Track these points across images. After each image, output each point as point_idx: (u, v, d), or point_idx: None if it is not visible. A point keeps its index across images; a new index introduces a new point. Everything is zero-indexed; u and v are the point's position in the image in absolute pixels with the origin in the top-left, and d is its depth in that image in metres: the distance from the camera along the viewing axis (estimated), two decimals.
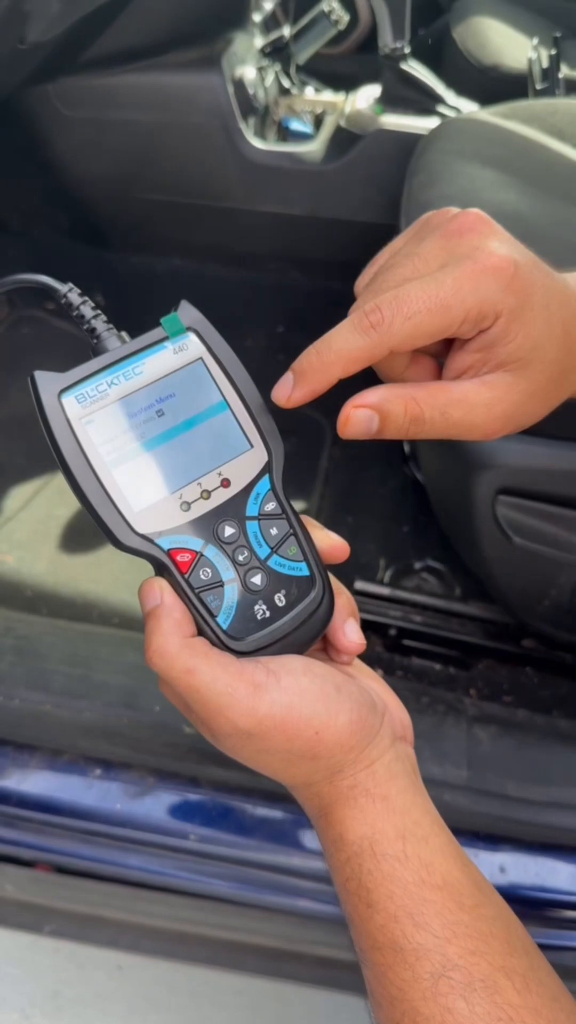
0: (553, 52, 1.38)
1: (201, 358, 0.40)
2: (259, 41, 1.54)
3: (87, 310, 0.41)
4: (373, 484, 1.29)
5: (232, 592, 0.38)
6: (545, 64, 1.39)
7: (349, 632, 0.41)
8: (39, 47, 1.05)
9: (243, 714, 0.36)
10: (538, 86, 1.38)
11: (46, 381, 0.38)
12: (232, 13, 1.47)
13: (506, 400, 0.40)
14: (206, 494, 0.39)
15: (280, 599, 0.39)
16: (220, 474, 0.39)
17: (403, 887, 0.36)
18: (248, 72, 1.42)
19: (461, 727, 0.85)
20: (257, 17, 1.55)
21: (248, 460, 0.39)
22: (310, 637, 0.40)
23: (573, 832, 0.79)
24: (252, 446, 0.40)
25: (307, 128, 1.51)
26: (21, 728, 0.84)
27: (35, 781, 0.82)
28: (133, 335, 0.40)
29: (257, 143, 1.41)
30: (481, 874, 0.39)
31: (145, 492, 0.38)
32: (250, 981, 1.15)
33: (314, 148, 1.44)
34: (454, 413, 0.39)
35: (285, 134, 1.52)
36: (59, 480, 1.30)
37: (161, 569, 0.38)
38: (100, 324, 0.40)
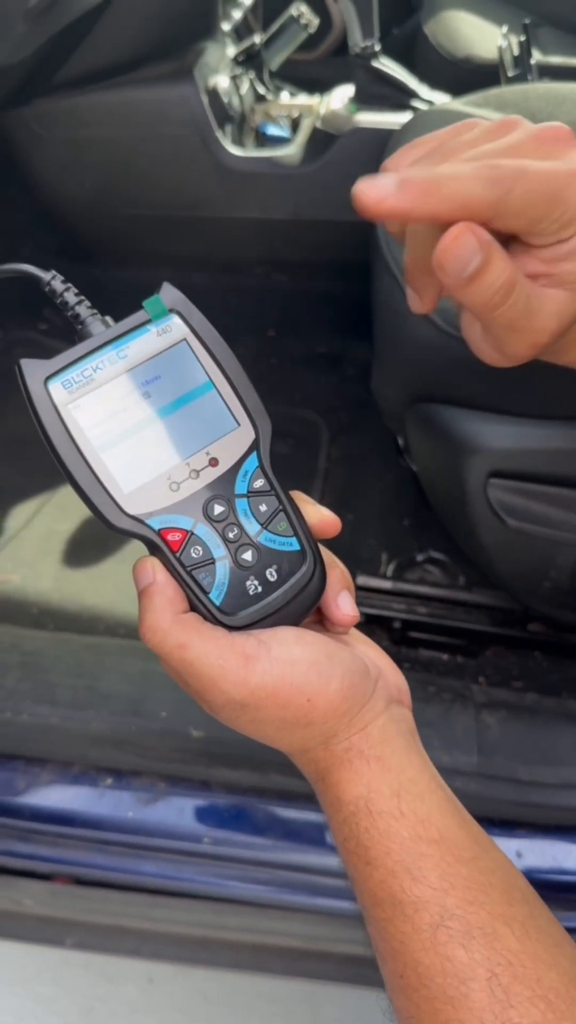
0: (523, 38, 1.37)
1: (185, 339, 0.40)
2: (231, 50, 1.55)
3: (71, 296, 0.41)
4: (372, 480, 1.29)
5: (223, 568, 0.39)
6: (516, 51, 1.39)
7: (343, 604, 0.41)
8: (8, 69, 1.07)
9: (235, 685, 0.37)
10: (510, 73, 1.38)
11: (32, 368, 0.38)
12: (201, 24, 1.48)
13: (564, 316, 0.39)
14: (195, 473, 0.39)
15: (271, 574, 0.40)
16: (208, 453, 0.40)
17: (400, 842, 0.37)
18: (221, 81, 1.43)
19: (469, 713, 0.85)
20: (226, 26, 1.56)
21: (235, 438, 0.40)
22: (303, 610, 0.40)
23: None
24: (239, 424, 0.40)
25: (284, 132, 1.51)
26: (30, 742, 0.84)
27: (47, 794, 0.83)
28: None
29: (235, 150, 1.42)
30: (480, 828, 0.39)
31: (134, 474, 0.39)
32: (282, 986, 1.15)
33: (292, 151, 1.45)
34: (532, 300, 0.39)
35: (263, 140, 1.53)
36: (59, 496, 1.31)
37: (153, 549, 0.39)
38: (84, 310, 0.41)
